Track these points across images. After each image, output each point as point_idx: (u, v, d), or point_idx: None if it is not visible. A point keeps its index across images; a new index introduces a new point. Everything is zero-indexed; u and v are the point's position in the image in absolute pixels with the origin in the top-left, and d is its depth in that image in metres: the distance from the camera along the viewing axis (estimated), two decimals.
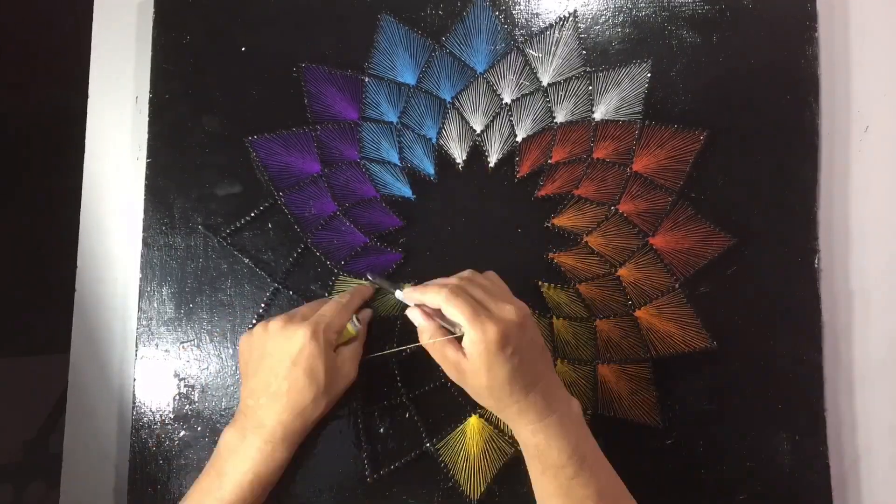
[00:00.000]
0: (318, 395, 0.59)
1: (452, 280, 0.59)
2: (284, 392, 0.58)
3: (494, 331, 0.53)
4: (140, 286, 0.69)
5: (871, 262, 0.70)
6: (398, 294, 0.62)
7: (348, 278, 0.68)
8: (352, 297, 0.64)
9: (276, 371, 0.59)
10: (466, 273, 0.60)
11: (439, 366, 0.58)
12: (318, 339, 0.59)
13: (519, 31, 0.71)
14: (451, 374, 0.58)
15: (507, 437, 0.65)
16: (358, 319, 0.64)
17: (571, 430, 0.56)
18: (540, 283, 0.68)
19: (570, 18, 0.71)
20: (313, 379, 0.59)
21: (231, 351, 0.68)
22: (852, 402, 0.69)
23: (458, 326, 0.56)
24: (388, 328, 0.67)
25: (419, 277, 0.68)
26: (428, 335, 0.58)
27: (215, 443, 0.66)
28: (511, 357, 0.54)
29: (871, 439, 0.68)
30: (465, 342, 0.55)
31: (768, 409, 0.66)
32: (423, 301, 0.59)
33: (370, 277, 0.66)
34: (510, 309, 0.55)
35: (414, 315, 0.59)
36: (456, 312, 0.55)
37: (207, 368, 0.68)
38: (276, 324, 0.60)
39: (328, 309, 0.62)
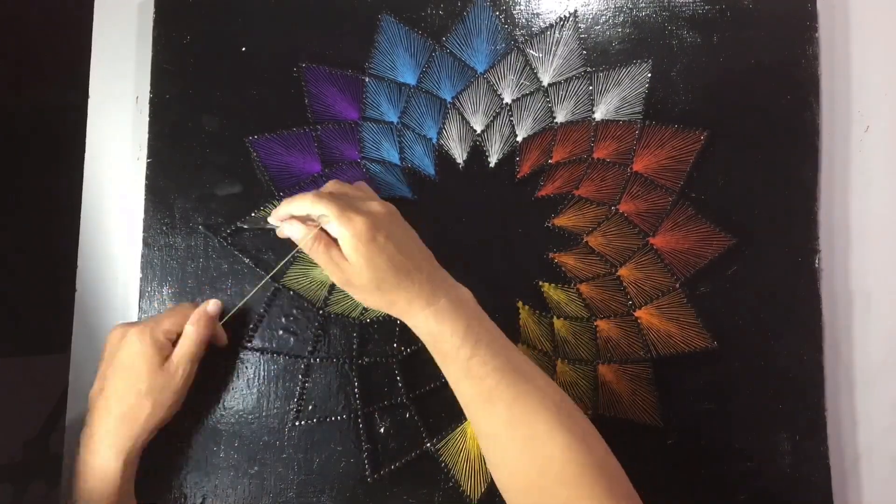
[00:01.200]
0: (139, 396, 0.59)
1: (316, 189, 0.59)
2: (109, 395, 0.60)
3: (362, 220, 0.55)
4: (140, 286, 0.69)
5: (871, 261, 0.70)
6: (271, 221, 0.61)
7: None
8: (181, 305, 0.65)
9: (104, 373, 0.61)
10: (330, 184, 0.61)
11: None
12: (144, 337, 0.60)
13: (519, 31, 0.71)
14: (336, 278, 0.58)
15: None
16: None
17: (462, 312, 0.57)
18: (540, 282, 0.68)
19: (571, 18, 0.71)
20: (135, 378, 0.59)
21: (232, 351, 0.68)
22: (853, 401, 0.69)
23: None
24: (389, 329, 0.67)
25: None
26: (310, 240, 0.57)
27: (214, 441, 0.66)
28: (386, 244, 0.55)
29: (871, 439, 0.68)
30: (340, 242, 0.56)
31: (769, 408, 0.66)
32: (291, 212, 0.58)
33: (243, 226, 0.67)
34: (376, 204, 0.58)
35: (290, 228, 0.58)
36: (323, 210, 0.55)
37: (207, 368, 0.68)
38: (115, 330, 0.62)
39: (163, 313, 0.64)
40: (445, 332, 0.56)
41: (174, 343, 0.62)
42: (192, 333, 0.62)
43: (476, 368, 0.55)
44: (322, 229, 0.57)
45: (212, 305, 0.65)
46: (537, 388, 0.55)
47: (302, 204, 0.57)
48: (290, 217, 0.58)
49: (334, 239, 0.57)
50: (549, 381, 0.57)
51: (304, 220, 0.57)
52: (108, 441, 0.59)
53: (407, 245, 0.57)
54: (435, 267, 0.60)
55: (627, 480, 0.54)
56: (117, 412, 0.59)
